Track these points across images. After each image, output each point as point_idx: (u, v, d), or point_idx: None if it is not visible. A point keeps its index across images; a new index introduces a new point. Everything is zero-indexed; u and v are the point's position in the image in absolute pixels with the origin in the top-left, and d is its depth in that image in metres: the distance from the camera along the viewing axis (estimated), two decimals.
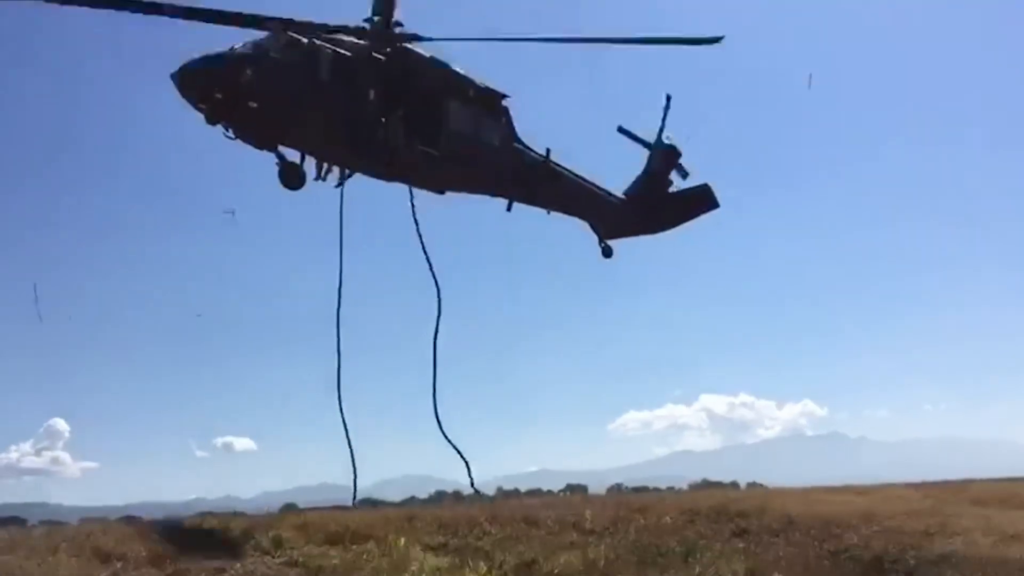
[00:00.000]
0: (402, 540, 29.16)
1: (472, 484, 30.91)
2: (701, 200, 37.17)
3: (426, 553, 28.35)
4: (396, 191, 30.00)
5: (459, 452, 29.94)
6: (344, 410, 29.02)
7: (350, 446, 28.95)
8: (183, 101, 25.61)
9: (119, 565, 24.95)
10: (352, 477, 29.18)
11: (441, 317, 30.45)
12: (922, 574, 29.01)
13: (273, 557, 27.09)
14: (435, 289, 30.49)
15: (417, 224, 30.10)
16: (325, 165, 28.61)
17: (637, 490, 70.80)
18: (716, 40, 29.57)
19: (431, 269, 30.73)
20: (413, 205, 30.20)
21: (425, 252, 30.41)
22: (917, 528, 33.55)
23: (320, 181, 28.96)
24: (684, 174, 36.38)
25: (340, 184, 29.04)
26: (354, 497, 30.27)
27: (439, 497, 69.11)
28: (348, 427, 29.23)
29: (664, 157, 36.76)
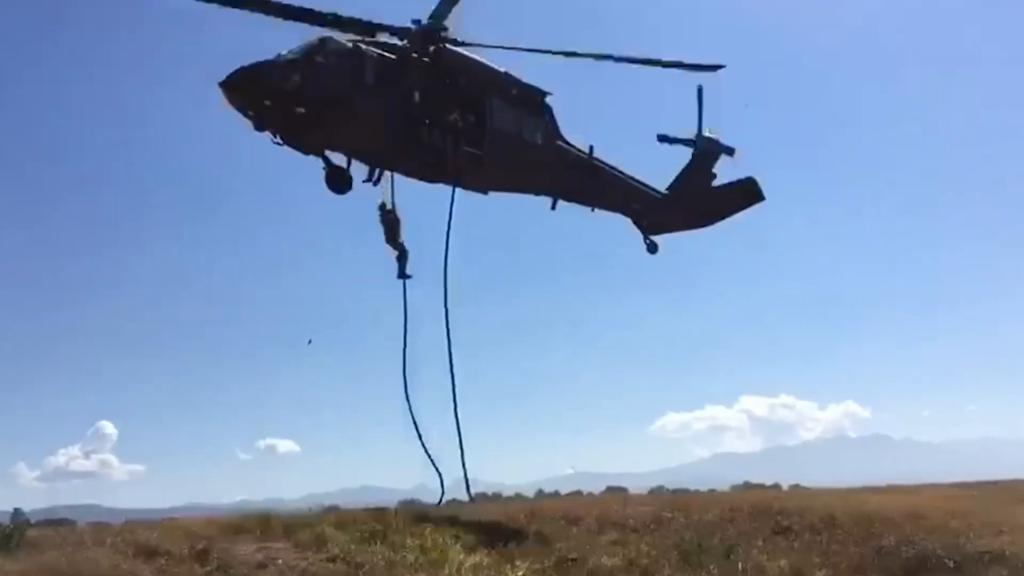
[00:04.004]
0: (441, 538, 29.21)
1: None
2: (746, 193, 36.58)
3: (466, 550, 28.37)
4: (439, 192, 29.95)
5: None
6: (414, 415, 30.34)
7: (426, 450, 30.40)
8: (231, 108, 25.74)
9: (163, 561, 25.28)
10: (439, 479, 30.70)
11: (451, 326, 30.76)
12: (968, 571, 28.55)
13: (316, 553, 27.30)
14: (443, 288, 30.43)
15: (449, 227, 29.73)
16: (377, 170, 28.81)
17: (677, 492, 70.32)
18: (717, 67, 30.72)
19: (444, 273, 30.60)
20: (452, 206, 29.92)
21: (445, 256, 30.19)
22: (963, 526, 33.06)
23: (372, 184, 29.16)
24: (730, 151, 35.78)
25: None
26: (440, 498, 31.72)
27: (479, 499, 69.13)
28: (421, 432, 30.49)
29: (706, 151, 36.22)
